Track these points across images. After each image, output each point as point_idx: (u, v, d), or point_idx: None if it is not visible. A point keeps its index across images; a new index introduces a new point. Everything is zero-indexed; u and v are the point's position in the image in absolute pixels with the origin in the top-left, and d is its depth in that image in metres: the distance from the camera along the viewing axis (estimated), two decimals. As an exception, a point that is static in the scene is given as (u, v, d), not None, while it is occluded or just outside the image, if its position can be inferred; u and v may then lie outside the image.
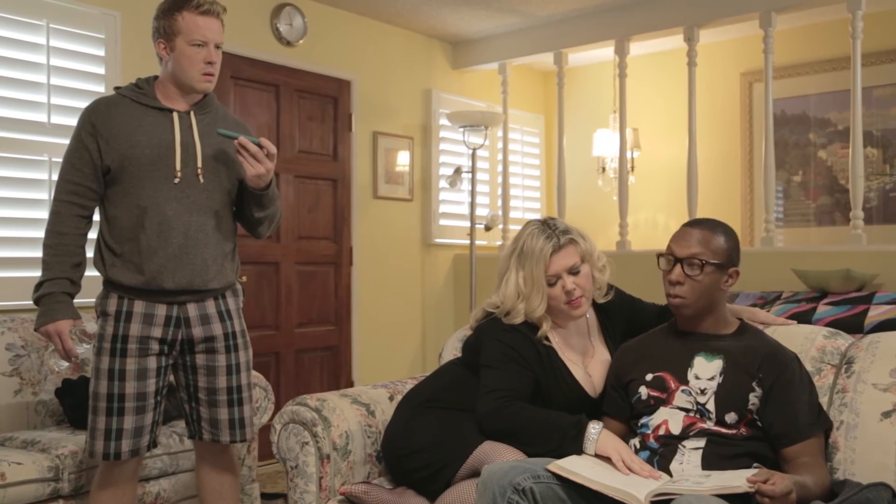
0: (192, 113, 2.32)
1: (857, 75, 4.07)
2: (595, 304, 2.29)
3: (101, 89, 3.63)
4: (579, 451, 1.94)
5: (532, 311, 2.15)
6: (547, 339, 2.20)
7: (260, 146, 2.26)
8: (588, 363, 2.24)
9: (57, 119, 3.51)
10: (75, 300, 2.33)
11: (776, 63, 4.51)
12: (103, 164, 2.26)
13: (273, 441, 2.33)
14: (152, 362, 2.28)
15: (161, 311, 2.29)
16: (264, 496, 3.60)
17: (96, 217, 2.36)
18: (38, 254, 3.37)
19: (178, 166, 2.26)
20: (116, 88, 2.36)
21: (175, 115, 2.30)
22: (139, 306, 2.27)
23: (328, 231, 4.74)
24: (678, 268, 1.99)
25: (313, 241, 4.65)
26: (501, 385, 2.11)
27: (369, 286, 4.94)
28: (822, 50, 4.97)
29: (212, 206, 2.32)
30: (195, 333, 2.33)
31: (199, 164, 2.29)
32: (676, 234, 2.05)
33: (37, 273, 3.33)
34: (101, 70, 3.65)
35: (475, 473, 2.02)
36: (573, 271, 2.14)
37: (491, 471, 1.78)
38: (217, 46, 2.29)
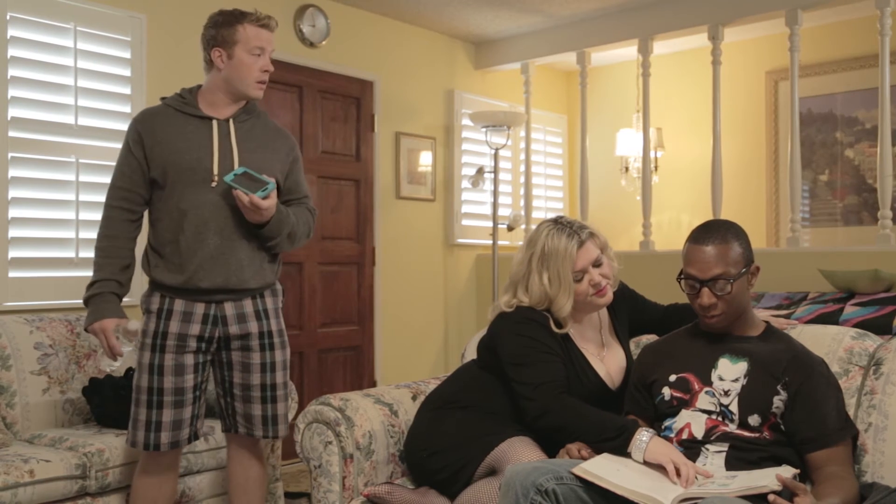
0: (231, 120, 2.43)
1: (886, 73, 4.02)
2: None
3: (126, 91, 3.67)
4: (623, 454, 1.91)
5: (559, 311, 2.16)
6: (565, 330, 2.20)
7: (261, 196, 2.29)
8: (604, 357, 2.25)
9: (84, 121, 3.55)
10: (125, 299, 2.47)
11: (802, 61, 4.45)
12: (150, 171, 2.39)
13: (297, 440, 2.35)
14: (189, 359, 2.39)
15: (199, 309, 2.39)
16: (288, 495, 3.62)
17: (145, 221, 2.49)
18: (66, 254, 3.48)
19: (215, 171, 2.36)
20: (162, 99, 2.48)
21: (214, 122, 2.41)
22: (179, 304, 2.38)
23: (351, 231, 4.76)
24: (705, 291, 1.94)
25: (336, 241, 4.67)
26: (544, 378, 2.08)
27: (392, 286, 4.95)
28: (849, 47, 4.91)
29: None
30: (231, 331, 2.42)
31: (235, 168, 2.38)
32: (691, 255, 1.97)
33: (64, 273, 3.44)
34: (126, 72, 3.69)
35: (493, 472, 2.03)
36: (597, 264, 2.17)
37: (514, 471, 1.78)
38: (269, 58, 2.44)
